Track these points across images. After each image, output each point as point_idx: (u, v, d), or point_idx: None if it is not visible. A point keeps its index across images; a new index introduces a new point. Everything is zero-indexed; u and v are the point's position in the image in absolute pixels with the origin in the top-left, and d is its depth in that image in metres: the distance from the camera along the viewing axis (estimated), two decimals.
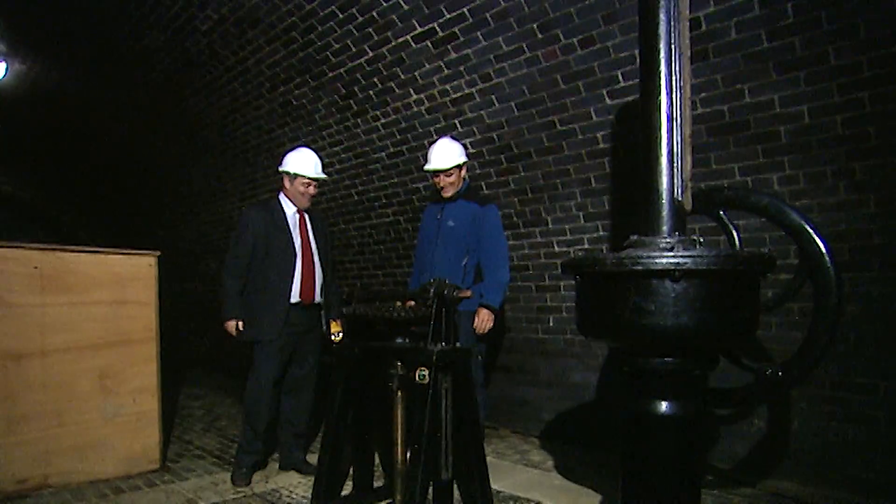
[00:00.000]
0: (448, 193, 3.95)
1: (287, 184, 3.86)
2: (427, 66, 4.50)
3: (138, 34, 6.05)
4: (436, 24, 4.20)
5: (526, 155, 4.42)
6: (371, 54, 4.72)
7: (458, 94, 4.50)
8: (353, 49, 4.77)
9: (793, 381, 2.80)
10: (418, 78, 4.62)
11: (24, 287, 3.50)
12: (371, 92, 5.01)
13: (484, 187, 4.79)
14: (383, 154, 5.37)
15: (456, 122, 4.66)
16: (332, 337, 3.88)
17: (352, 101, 5.22)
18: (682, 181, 2.21)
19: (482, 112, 4.46)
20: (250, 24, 5.16)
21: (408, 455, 2.77)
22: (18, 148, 10.90)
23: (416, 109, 4.84)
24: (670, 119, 2.20)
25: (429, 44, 4.35)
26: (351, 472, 3.28)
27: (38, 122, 9.35)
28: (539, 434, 4.83)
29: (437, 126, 4.79)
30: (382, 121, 5.15)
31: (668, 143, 2.19)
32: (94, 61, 7.05)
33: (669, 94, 2.19)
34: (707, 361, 2.26)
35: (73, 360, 3.61)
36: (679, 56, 2.17)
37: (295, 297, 3.76)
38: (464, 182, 4.01)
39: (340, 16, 4.57)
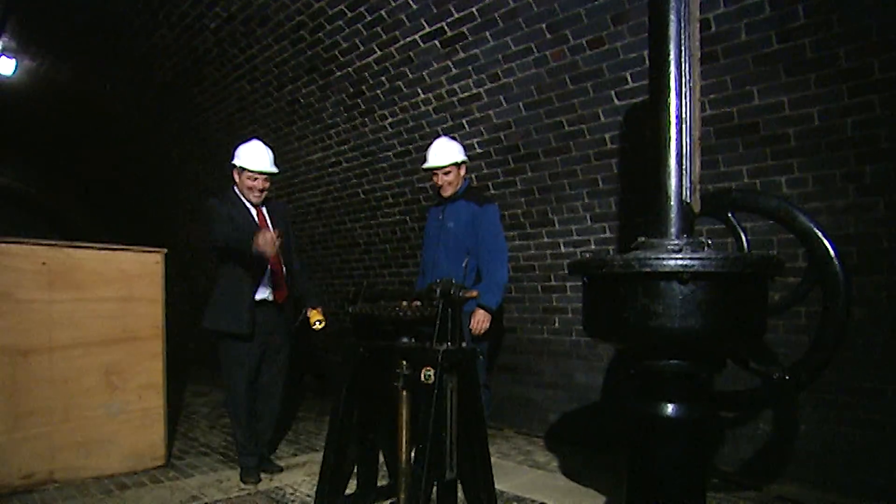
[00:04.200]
0: (447, 192, 3.93)
1: (236, 177, 3.75)
2: (435, 65, 4.49)
3: (147, 32, 6.07)
4: (444, 24, 4.19)
5: (533, 155, 4.42)
6: (379, 53, 4.72)
7: (466, 94, 4.49)
8: (362, 48, 4.77)
9: (800, 385, 2.80)
10: (426, 77, 4.62)
11: (32, 283, 3.52)
12: (379, 91, 5.01)
13: (491, 187, 4.78)
14: (390, 153, 5.37)
15: (463, 121, 4.66)
16: (314, 325, 3.82)
17: (359, 101, 5.22)
18: (691, 183, 2.20)
19: (490, 112, 4.46)
20: (259, 23, 5.17)
21: (412, 454, 2.77)
22: (27, 145, 10.95)
23: (423, 109, 4.83)
24: (679, 120, 2.19)
25: (437, 43, 4.35)
26: (355, 470, 3.29)
27: (47, 119, 9.39)
28: (544, 435, 4.83)
29: (445, 125, 4.79)
30: (390, 120, 5.15)
31: (677, 145, 2.19)
32: (103, 59, 7.07)
33: (679, 95, 2.18)
34: (714, 364, 2.26)
35: (80, 356, 3.62)
36: (689, 57, 2.16)
37: (265, 295, 3.69)
38: (464, 182, 3.98)
39: (349, 15, 4.58)
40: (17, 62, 7.56)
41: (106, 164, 10.19)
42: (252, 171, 3.68)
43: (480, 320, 3.80)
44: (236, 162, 3.70)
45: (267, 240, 3.34)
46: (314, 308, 3.86)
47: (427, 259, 4.12)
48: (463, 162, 3.93)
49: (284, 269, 3.79)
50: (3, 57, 7.42)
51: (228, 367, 3.68)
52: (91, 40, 6.74)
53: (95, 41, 6.73)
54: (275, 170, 3.79)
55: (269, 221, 3.79)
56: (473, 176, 4.85)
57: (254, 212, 3.77)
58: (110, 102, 8.12)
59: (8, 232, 3.72)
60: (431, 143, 3.97)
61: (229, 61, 5.84)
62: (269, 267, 3.67)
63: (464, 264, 3.84)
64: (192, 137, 7.61)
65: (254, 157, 3.70)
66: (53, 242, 3.66)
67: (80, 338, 3.66)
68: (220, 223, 3.57)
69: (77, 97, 8.31)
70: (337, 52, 4.96)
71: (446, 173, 3.89)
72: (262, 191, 3.74)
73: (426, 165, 3.95)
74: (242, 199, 3.76)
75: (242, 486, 3.64)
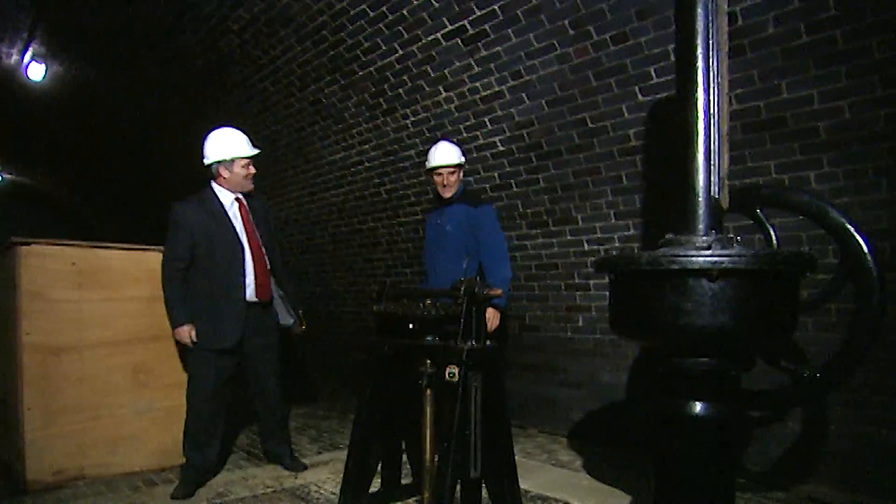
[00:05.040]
0: (448, 194, 4.00)
1: (224, 173, 3.48)
2: (457, 63, 4.49)
3: (173, 35, 6.15)
4: (466, 22, 4.18)
5: (556, 153, 4.39)
6: (401, 52, 4.72)
7: (488, 92, 4.48)
8: (384, 47, 4.78)
9: (831, 384, 2.74)
10: (448, 76, 4.61)
11: (62, 283, 3.58)
12: (401, 90, 5.01)
13: (513, 185, 4.76)
14: (412, 152, 5.38)
15: (485, 119, 4.64)
16: (294, 329, 3.77)
17: (381, 100, 5.23)
18: (720, 178, 2.17)
19: (512, 110, 4.44)
20: (282, 24, 5.20)
21: (436, 453, 2.77)
22: (55, 149, 11.17)
23: (445, 108, 4.83)
24: (707, 115, 2.16)
25: (459, 41, 4.34)
26: (379, 469, 3.29)
27: (74, 123, 9.57)
28: (567, 434, 4.80)
29: (467, 124, 4.78)
30: (412, 119, 5.15)
31: (704, 140, 2.16)
32: (129, 63, 7.18)
33: (707, 89, 2.15)
34: (744, 362, 2.23)
35: (108, 354, 3.68)
36: (717, 51, 2.13)
37: (250, 296, 3.49)
38: (460, 185, 4.06)
39: (371, 14, 4.59)
40: (46, 68, 7.71)
41: (132, 167, 10.35)
42: (248, 158, 3.49)
43: (492, 318, 3.79)
44: (224, 155, 3.44)
45: (182, 336, 3.38)
46: (295, 310, 3.80)
47: (429, 263, 4.20)
48: (462, 165, 4.03)
49: (268, 265, 3.60)
50: (34, 63, 7.58)
51: (199, 372, 3.49)
52: (117, 45, 6.85)
53: (121, 45, 6.84)
54: (258, 150, 3.63)
55: (250, 214, 3.58)
56: (496, 174, 4.84)
57: (235, 209, 3.53)
58: (135, 106, 8.25)
59: (37, 233, 3.78)
60: (436, 143, 4.06)
61: (253, 62, 5.89)
62: (251, 265, 3.49)
63: (464, 266, 3.94)
64: None
65: (241, 142, 3.47)
66: (82, 243, 3.72)
67: (108, 337, 3.71)
68: (172, 245, 3.39)
69: (103, 101, 8.45)
70: (359, 52, 4.97)
71: (451, 173, 3.97)
72: (252, 174, 3.57)
73: (433, 164, 4.00)
74: (219, 196, 3.52)
75: (268, 483, 3.67)
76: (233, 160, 3.44)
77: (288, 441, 4.03)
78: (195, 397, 3.50)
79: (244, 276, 3.46)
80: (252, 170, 3.51)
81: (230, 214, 3.49)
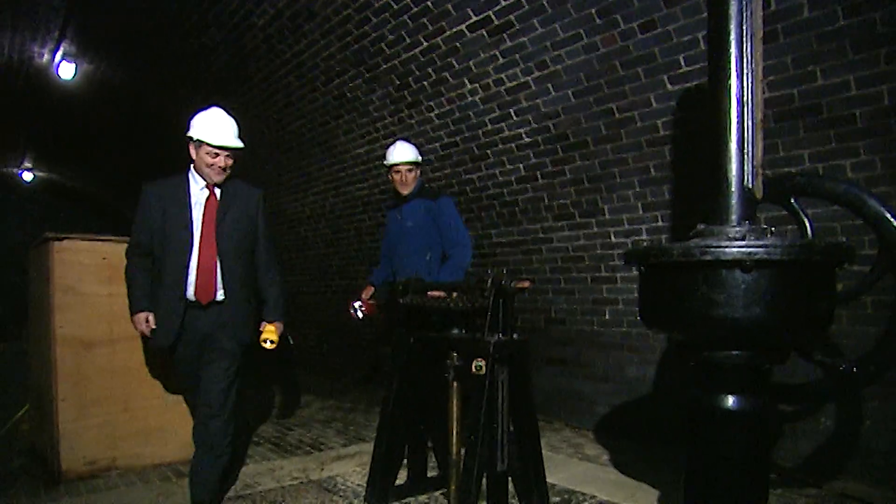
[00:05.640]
0: (406, 191, 4.09)
1: (192, 153, 3.11)
2: (482, 55, 4.45)
3: (198, 31, 6.20)
4: (491, 13, 4.14)
5: (583, 144, 4.34)
6: (425, 45, 4.70)
7: (514, 83, 4.44)
8: (408, 40, 4.77)
9: (868, 378, 2.67)
10: (473, 67, 4.58)
11: (93, 277, 3.65)
12: (425, 83, 4.99)
13: (539, 177, 4.72)
14: (437, 145, 5.36)
15: (511, 111, 4.60)
16: (263, 344, 3.17)
17: (406, 93, 5.22)
18: (753, 168, 2.12)
19: (538, 101, 4.39)
20: (306, 18, 5.21)
21: (463, 446, 2.76)
22: (84, 145, 11.37)
23: (470, 100, 4.80)
24: (741, 103, 2.11)
25: (484, 32, 4.30)
26: (405, 461, 3.30)
27: (103, 120, 9.72)
28: (593, 428, 4.76)
29: (492, 116, 4.74)
30: (436, 112, 5.13)
31: (738, 128, 2.11)
32: (157, 60, 7.27)
33: (740, 76, 2.10)
34: (778, 355, 2.17)
35: (138, 347, 3.73)
36: (751, 36, 2.07)
37: (190, 295, 3.06)
38: (417, 182, 4.14)
39: (395, 7, 4.57)
40: (76, 66, 7.83)
41: (159, 162, 10.48)
42: (213, 147, 3.04)
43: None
44: (193, 134, 3.07)
45: (139, 324, 3.10)
46: (270, 322, 3.23)
47: (391, 257, 4.27)
48: (419, 164, 4.15)
49: (220, 265, 3.09)
50: (64, 62, 7.71)
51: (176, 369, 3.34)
52: (144, 42, 6.93)
53: (148, 43, 6.92)
54: (239, 144, 3.16)
55: (219, 206, 3.14)
56: (522, 166, 4.80)
57: (202, 197, 3.14)
58: (162, 103, 8.34)
59: (67, 228, 3.85)
60: (391, 144, 4.16)
61: (277, 57, 5.92)
62: (196, 259, 3.07)
63: (427, 258, 4.04)
64: (241, 134, 7.74)
65: (215, 129, 3.07)
66: (113, 238, 3.78)
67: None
68: (135, 229, 3.15)
69: (131, 98, 8.57)
70: (383, 45, 4.96)
71: (409, 170, 4.07)
72: (224, 169, 3.10)
73: (391, 161, 4.09)
74: (193, 181, 3.15)
75: (294, 474, 3.69)
76: (199, 143, 3.05)
77: (213, 481, 3.08)
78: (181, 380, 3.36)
79: (187, 273, 3.05)
80: (221, 162, 3.07)
81: (192, 203, 3.11)
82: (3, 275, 12.61)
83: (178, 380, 3.45)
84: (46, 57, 7.72)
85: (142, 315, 3.09)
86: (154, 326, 3.08)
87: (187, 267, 3.05)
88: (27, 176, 13.68)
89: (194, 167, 3.12)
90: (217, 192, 3.14)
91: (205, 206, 3.10)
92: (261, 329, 3.20)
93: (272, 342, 3.17)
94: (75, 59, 7.72)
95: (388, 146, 4.21)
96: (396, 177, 4.10)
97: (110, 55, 7.62)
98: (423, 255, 4.08)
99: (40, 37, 7.25)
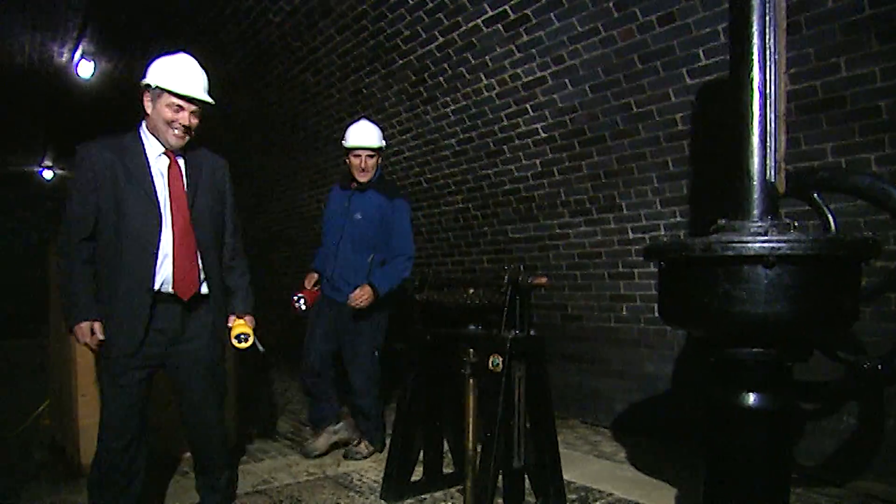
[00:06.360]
0: (364, 178, 3.74)
1: (147, 105, 2.49)
2: (498, 50, 4.42)
3: (214, 28, 6.23)
4: (507, 7, 4.12)
5: (600, 139, 4.30)
6: (441, 40, 4.68)
7: (530, 78, 4.41)
8: (424, 35, 4.75)
9: (892, 376, 2.63)
10: (489, 62, 4.56)
11: None
12: (441, 78, 4.98)
13: (555, 172, 4.69)
14: (453, 140, 5.34)
15: (527, 106, 4.57)
16: (235, 342, 2.72)
17: (421, 88, 5.21)
18: (776, 162, 2.08)
19: (554, 95, 4.36)
20: (321, 14, 5.22)
21: (479, 443, 2.76)
22: None
23: (486, 95, 4.77)
24: (763, 96, 2.07)
25: (500, 27, 4.27)
26: (421, 457, 3.30)
27: (121, 118, 9.79)
28: (610, 425, 4.73)
29: (508, 111, 4.72)
30: (452, 107, 5.11)
31: (760, 121, 2.07)
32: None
33: (763, 68, 2.06)
34: (800, 352, 2.14)
35: None
36: (774, 28, 2.03)
37: (165, 288, 2.48)
38: (377, 171, 3.81)
39: (410, 2, 4.56)
40: (95, 65, 7.91)
41: None
42: (177, 96, 2.44)
43: (364, 295, 3.62)
44: (151, 80, 2.46)
45: (82, 335, 2.41)
46: (239, 316, 2.78)
47: (328, 248, 3.89)
48: (382, 149, 3.80)
49: (200, 251, 2.57)
50: (83, 60, 7.79)
51: (106, 401, 2.51)
52: (160, 40, 6.97)
53: (164, 40, 6.96)
54: (208, 99, 2.57)
55: (185, 176, 2.56)
56: (538, 162, 4.77)
57: (163, 164, 2.53)
58: None
59: None
60: (353, 123, 3.80)
61: (293, 54, 5.93)
62: (171, 243, 2.49)
63: (369, 259, 3.74)
64: (257, 131, 7.79)
65: (181, 76, 2.48)
66: None
67: None
68: (72, 205, 2.42)
69: None
70: (399, 41, 4.95)
71: (370, 156, 3.72)
72: (186, 129, 2.50)
73: (353, 143, 3.71)
74: (143, 144, 2.51)
75: (311, 470, 3.70)
76: (160, 92, 2.44)
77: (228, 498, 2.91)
78: (104, 424, 2.50)
79: (155, 259, 2.45)
80: (182, 118, 2.47)
81: (152, 170, 2.49)
82: (24, 272, 12.80)
83: (111, 399, 2.49)
84: (66, 56, 7.81)
85: (85, 325, 2.40)
86: (102, 337, 2.42)
87: (156, 252, 2.45)
88: (47, 174, 13.84)
89: (147, 126, 2.51)
90: (180, 160, 2.56)
91: (168, 177, 2.52)
92: (229, 325, 2.74)
93: (245, 338, 2.72)
94: (94, 58, 7.80)
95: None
96: (355, 161, 3.70)
97: (128, 53, 7.69)
98: (365, 255, 3.75)
99: (60, 36, 7.34)
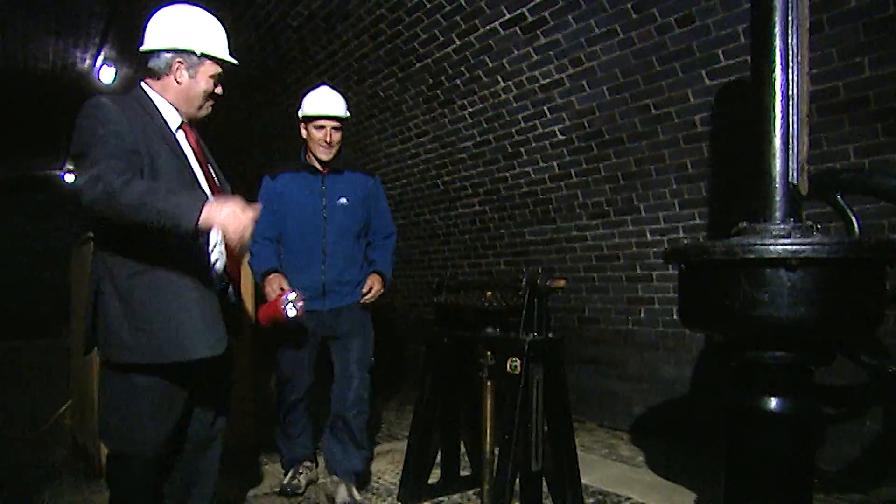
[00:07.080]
0: (328, 155, 3.12)
1: (179, 76, 2.10)
2: (515, 52, 4.42)
3: (234, 33, 6.27)
4: (525, 10, 4.11)
5: (618, 141, 4.28)
6: (458, 43, 4.69)
7: (548, 81, 4.40)
8: (441, 39, 4.76)
9: None
10: (506, 65, 4.55)
11: None
12: (458, 81, 4.98)
13: (573, 175, 4.67)
14: (469, 143, 5.34)
15: (545, 108, 4.56)
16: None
17: (438, 92, 5.22)
18: (798, 163, 2.06)
19: (572, 98, 4.35)
20: (339, 19, 5.25)
21: (496, 446, 2.75)
22: None
23: (503, 97, 4.77)
24: (785, 97, 2.06)
25: (517, 30, 4.27)
26: (438, 460, 3.30)
27: None
28: (628, 429, 4.70)
29: (525, 113, 4.71)
30: (469, 110, 5.12)
31: (782, 122, 2.05)
32: None
33: (785, 69, 2.04)
34: (823, 357, 2.12)
35: None
36: (796, 27, 2.02)
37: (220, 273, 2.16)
38: (339, 148, 3.22)
39: (428, 6, 4.57)
40: (116, 71, 8.01)
41: None
42: (223, 65, 2.16)
43: (378, 287, 3.30)
44: (183, 43, 2.08)
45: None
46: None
47: (306, 242, 3.18)
48: (348, 120, 3.22)
49: None
50: (105, 66, 7.89)
51: (136, 411, 2.04)
52: None
53: None
54: (234, 60, 2.24)
55: (206, 150, 2.29)
56: (555, 164, 4.75)
57: (182, 137, 2.16)
58: None
59: None
60: (312, 90, 3.22)
61: (311, 58, 5.97)
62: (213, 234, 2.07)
63: (364, 248, 3.37)
64: (276, 136, 7.85)
65: (219, 37, 2.20)
66: None
67: None
68: (108, 148, 1.84)
69: None
70: (416, 45, 4.97)
71: (336, 129, 3.10)
72: (216, 98, 2.21)
73: (315, 111, 3.09)
74: (163, 112, 2.11)
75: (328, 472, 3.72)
76: (201, 58, 2.09)
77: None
78: (133, 453, 2.15)
79: (208, 242, 2.09)
80: (220, 91, 2.19)
81: (178, 141, 2.13)
82: (47, 274, 13.02)
83: (154, 426, 2.09)
84: (88, 62, 7.92)
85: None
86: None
87: (207, 234, 2.06)
88: (69, 178, 14.05)
89: (161, 89, 2.15)
90: (192, 129, 2.28)
91: (192, 150, 2.21)
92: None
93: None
94: (115, 64, 7.90)
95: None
96: (318, 134, 3.07)
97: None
98: (356, 243, 3.26)
99: (82, 42, 7.44)
